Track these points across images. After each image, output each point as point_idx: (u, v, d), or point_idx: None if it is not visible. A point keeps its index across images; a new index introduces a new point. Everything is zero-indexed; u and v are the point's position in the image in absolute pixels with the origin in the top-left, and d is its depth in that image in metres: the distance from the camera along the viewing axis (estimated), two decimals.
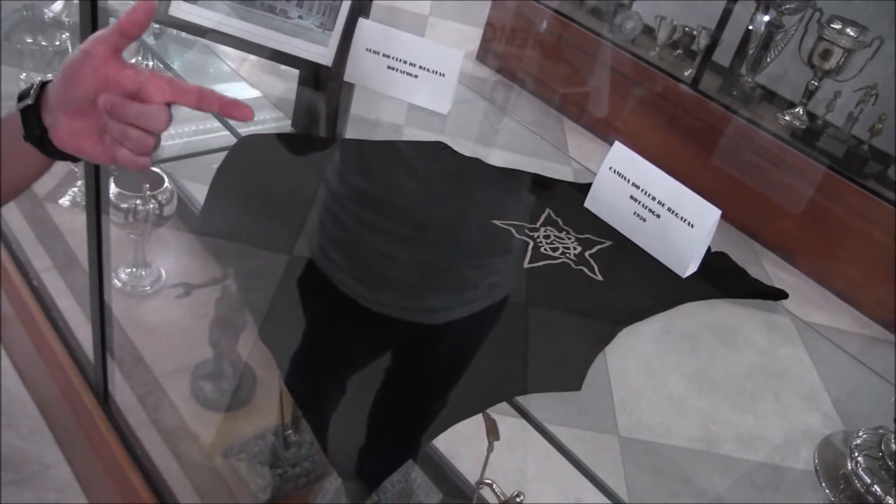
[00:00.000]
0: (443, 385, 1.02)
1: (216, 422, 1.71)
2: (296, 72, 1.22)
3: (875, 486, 0.72)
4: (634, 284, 0.98)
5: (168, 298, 1.96)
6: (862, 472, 0.73)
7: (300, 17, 1.13)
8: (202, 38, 1.18)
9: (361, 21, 1.14)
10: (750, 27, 3.16)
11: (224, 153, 1.17)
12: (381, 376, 1.18)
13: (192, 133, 2.11)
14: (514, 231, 1.05)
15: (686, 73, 3.31)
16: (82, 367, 1.65)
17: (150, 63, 1.91)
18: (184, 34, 1.20)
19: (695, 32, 3.32)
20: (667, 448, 2.06)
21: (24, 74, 2.15)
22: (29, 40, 2.06)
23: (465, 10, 4.37)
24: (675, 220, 0.96)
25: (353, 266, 1.08)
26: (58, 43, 2.08)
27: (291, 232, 1.12)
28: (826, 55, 2.94)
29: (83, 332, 1.72)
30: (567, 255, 1.02)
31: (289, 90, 1.31)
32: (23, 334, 1.86)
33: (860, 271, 2.86)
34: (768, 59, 3.19)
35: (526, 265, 1.00)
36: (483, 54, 3.90)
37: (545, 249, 1.02)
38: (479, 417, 0.96)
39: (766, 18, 3.10)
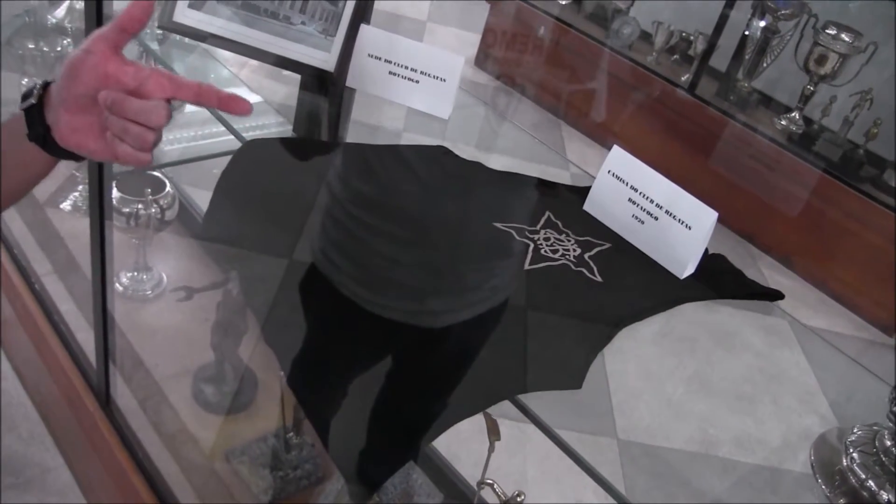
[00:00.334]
0: (444, 387, 1.03)
1: (217, 425, 1.72)
2: (295, 77, 1.23)
3: (870, 482, 0.73)
4: (633, 286, 1.00)
5: (169, 302, 1.96)
6: (857, 468, 0.75)
7: (303, 22, 1.15)
8: (203, 44, 1.20)
9: (363, 27, 1.16)
10: (746, 32, 3.18)
11: (224, 158, 1.18)
12: (383, 379, 1.19)
13: (192, 138, 2.12)
14: (514, 233, 1.07)
15: (683, 78, 3.33)
16: (84, 370, 1.65)
17: (153, 64, 1.93)
18: (187, 40, 1.22)
19: (692, 38, 3.34)
20: (665, 451, 2.07)
21: (26, 80, 2.16)
22: (31, 46, 2.07)
23: (463, 15, 4.39)
24: (672, 222, 0.98)
25: (355, 269, 1.09)
26: (59, 49, 2.09)
27: (295, 235, 1.13)
28: (821, 60, 2.97)
29: (83, 336, 1.73)
30: (567, 256, 1.03)
31: (289, 95, 1.32)
32: (24, 338, 1.87)
33: (857, 275, 2.87)
34: (764, 64, 3.21)
35: (527, 267, 1.01)
36: (481, 60, 3.92)
37: (545, 251, 1.04)
38: (478, 419, 0.97)
39: (763, 24, 3.12)
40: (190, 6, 1.15)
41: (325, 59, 1.16)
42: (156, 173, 1.89)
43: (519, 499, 1.05)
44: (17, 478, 1.76)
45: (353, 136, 1.30)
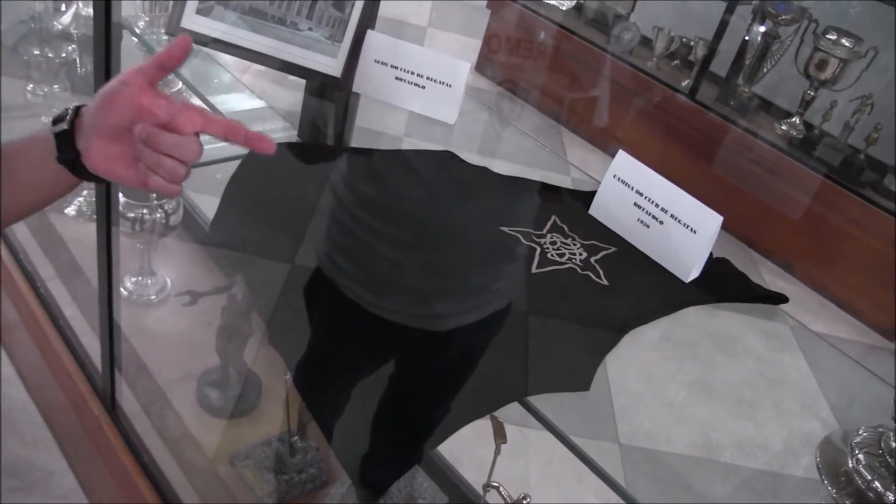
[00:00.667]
0: (449, 391, 1.04)
1: (222, 428, 1.72)
2: (299, 82, 1.24)
3: (875, 483, 0.74)
4: (639, 289, 1.00)
5: (174, 307, 1.97)
6: (862, 469, 0.75)
7: (310, 28, 1.16)
8: (205, 48, 1.20)
9: (370, 33, 1.16)
10: (746, 38, 3.19)
11: (227, 163, 1.19)
12: (387, 383, 1.19)
13: None
14: (521, 237, 1.07)
15: (683, 84, 3.34)
16: (89, 374, 1.66)
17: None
18: (193, 45, 1.22)
19: (692, 43, 3.35)
20: (667, 455, 2.07)
21: (31, 86, 2.17)
22: (36, 52, 2.07)
23: (464, 21, 4.40)
24: (677, 226, 0.99)
25: (360, 272, 1.10)
26: (64, 55, 2.09)
27: (302, 239, 1.13)
28: (822, 65, 2.98)
29: (88, 340, 1.73)
30: (573, 260, 1.04)
31: (292, 100, 1.33)
32: (29, 342, 1.87)
33: (858, 279, 2.88)
34: (765, 70, 3.22)
35: (534, 271, 1.02)
36: (482, 65, 3.93)
37: (552, 255, 1.04)
38: (483, 424, 0.97)
39: (763, 29, 3.13)
40: (198, 12, 1.16)
41: (331, 64, 1.17)
42: None
43: (525, 501, 1.06)
44: (21, 481, 1.76)
45: (357, 141, 1.31)
